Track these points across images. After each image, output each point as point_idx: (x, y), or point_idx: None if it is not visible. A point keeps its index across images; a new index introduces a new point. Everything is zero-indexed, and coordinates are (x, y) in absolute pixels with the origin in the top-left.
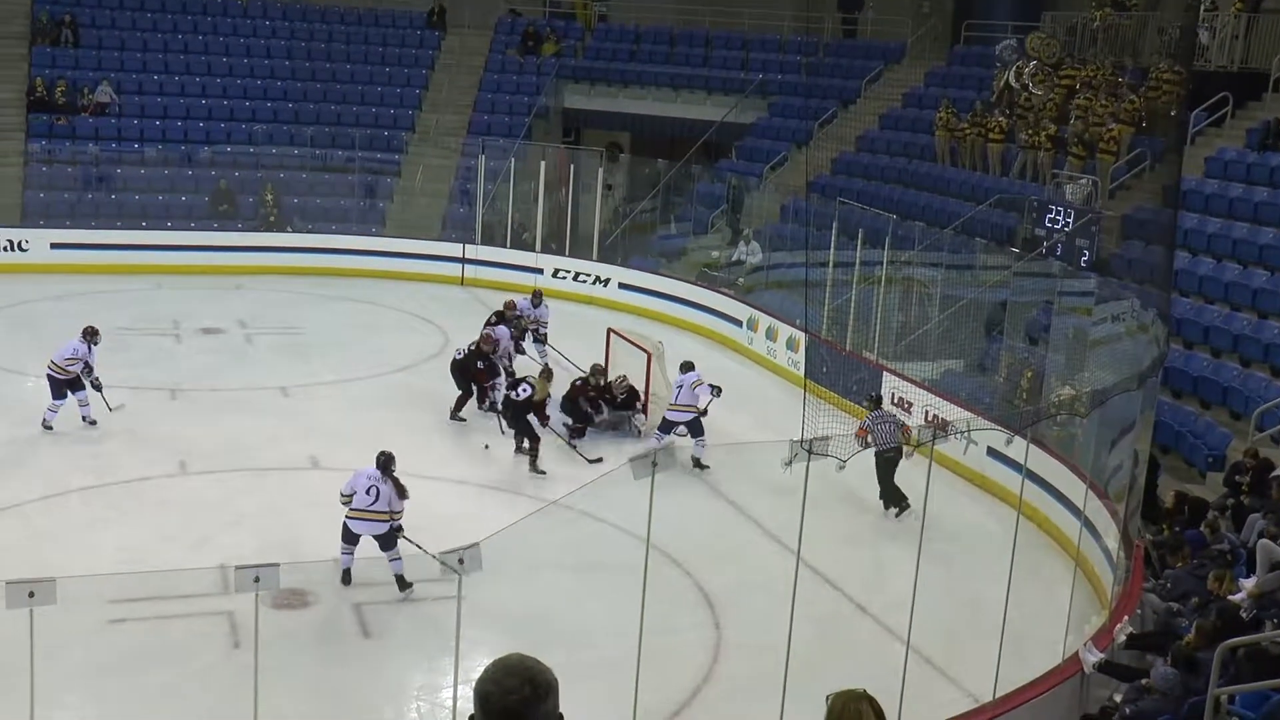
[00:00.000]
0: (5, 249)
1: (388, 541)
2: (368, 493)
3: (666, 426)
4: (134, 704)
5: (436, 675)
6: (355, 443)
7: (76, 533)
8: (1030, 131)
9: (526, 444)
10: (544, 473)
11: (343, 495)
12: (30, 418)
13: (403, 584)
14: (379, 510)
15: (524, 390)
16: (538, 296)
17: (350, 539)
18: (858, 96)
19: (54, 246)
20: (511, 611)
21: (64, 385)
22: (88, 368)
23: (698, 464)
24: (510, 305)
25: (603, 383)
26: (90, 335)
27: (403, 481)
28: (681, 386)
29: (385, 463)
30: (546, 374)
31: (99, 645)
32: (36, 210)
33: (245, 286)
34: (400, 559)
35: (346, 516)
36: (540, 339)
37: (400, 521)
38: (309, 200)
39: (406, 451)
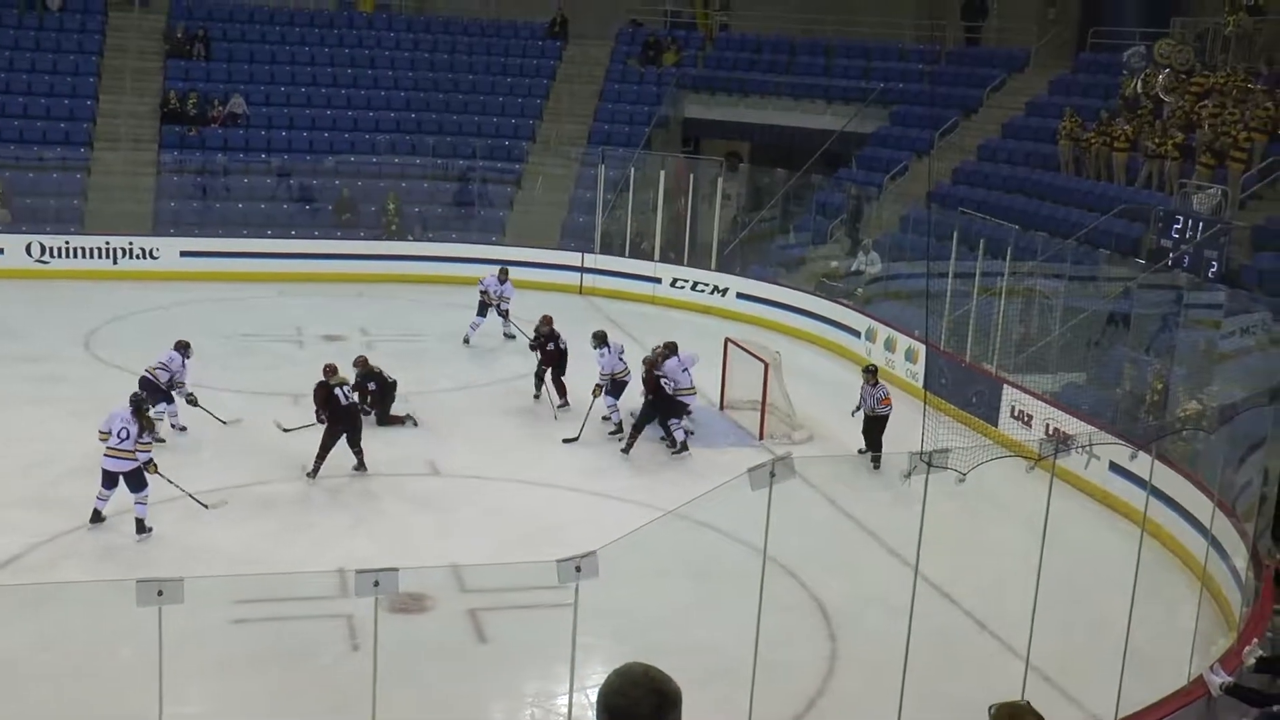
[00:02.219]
0: (138, 256)
1: (136, 482)
2: (119, 434)
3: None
4: (255, 703)
5: (551, 682)
6: (473, 449)
7: (199, 534)
8: (1157, 140)
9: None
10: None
11: (100, 432)
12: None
13: (141, 527)
14: (127, 449)
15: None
16: (504, 273)
17: (108, 482)
18: (980, 105)
19: (183, 254)
20: (626, 619)
21: (157, 391)
22: (172, 380)
23: (685, 447)
24: (547, 320)
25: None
26: (183, 349)
27: (153, 420)
28: (687, 370)
29: (137, 403)
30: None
31: (222, 644)
32: (167, 219)
33: (366, 294)
34: (146, 504)
35: (103, 455)
36: (503, 314)
37: (150, 457)
38: (430, 209)
39: (523, 459)
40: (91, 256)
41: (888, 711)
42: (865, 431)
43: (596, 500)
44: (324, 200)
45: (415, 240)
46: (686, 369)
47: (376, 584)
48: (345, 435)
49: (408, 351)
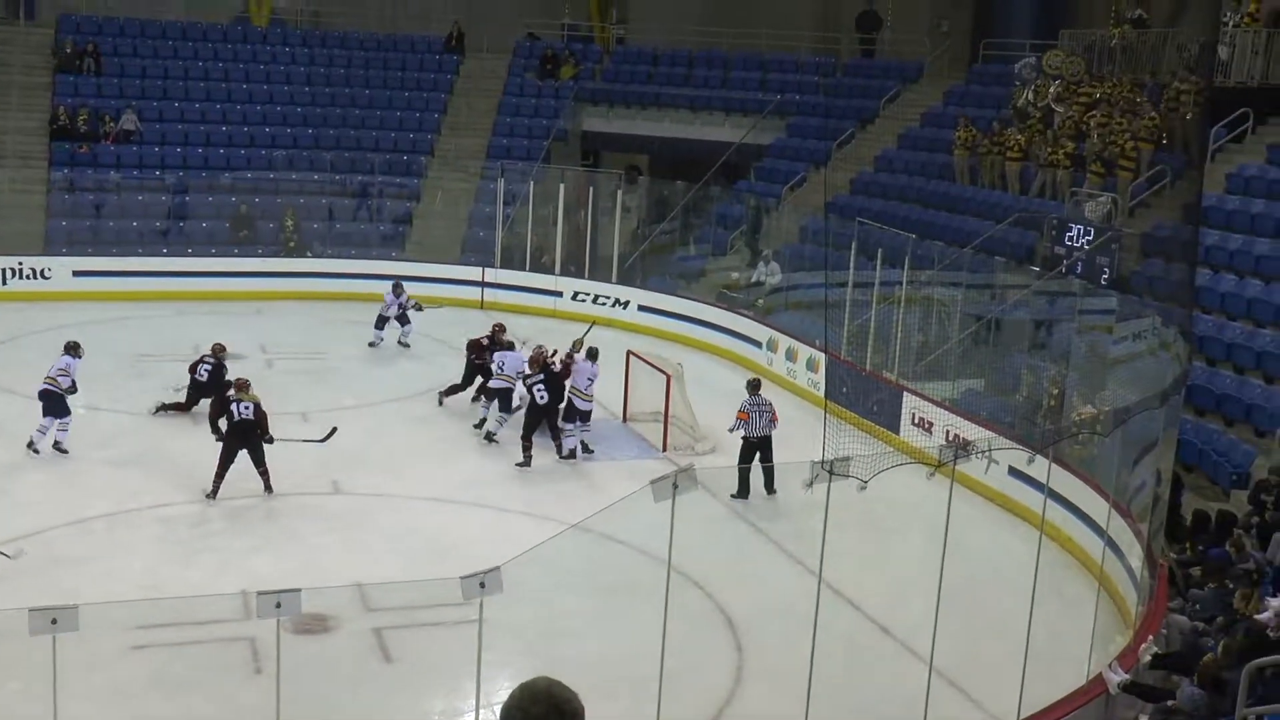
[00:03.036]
0: (28, 277)
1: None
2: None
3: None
4: None
5: (458, 699)
6: (376, 467)
7: (98, 559)
8: (1049, 149)
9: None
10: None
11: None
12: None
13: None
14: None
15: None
16: (399, 286)
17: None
18: (876, 116)
19: (76, 274)
20: (533, 634)
21: (56, 401)
22: (74, 384)
23: (573, 454)
24: (499, 327)
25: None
26: (73, 349)
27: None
28: (592, 380)
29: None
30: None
31: (121, 671)
32: (59, 238)
33: (265, 312)
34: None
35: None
36: (401, 320)
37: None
38: (329, 225)
39: (425, 475)
40: None
41: (795, 718)
42: (756, 452)
43: (500, 515)
44: (221, 217)
45: (315, 257)
46: (591, 378)
47: (279, 605)
48: (247, 453)
49: (308, 369)
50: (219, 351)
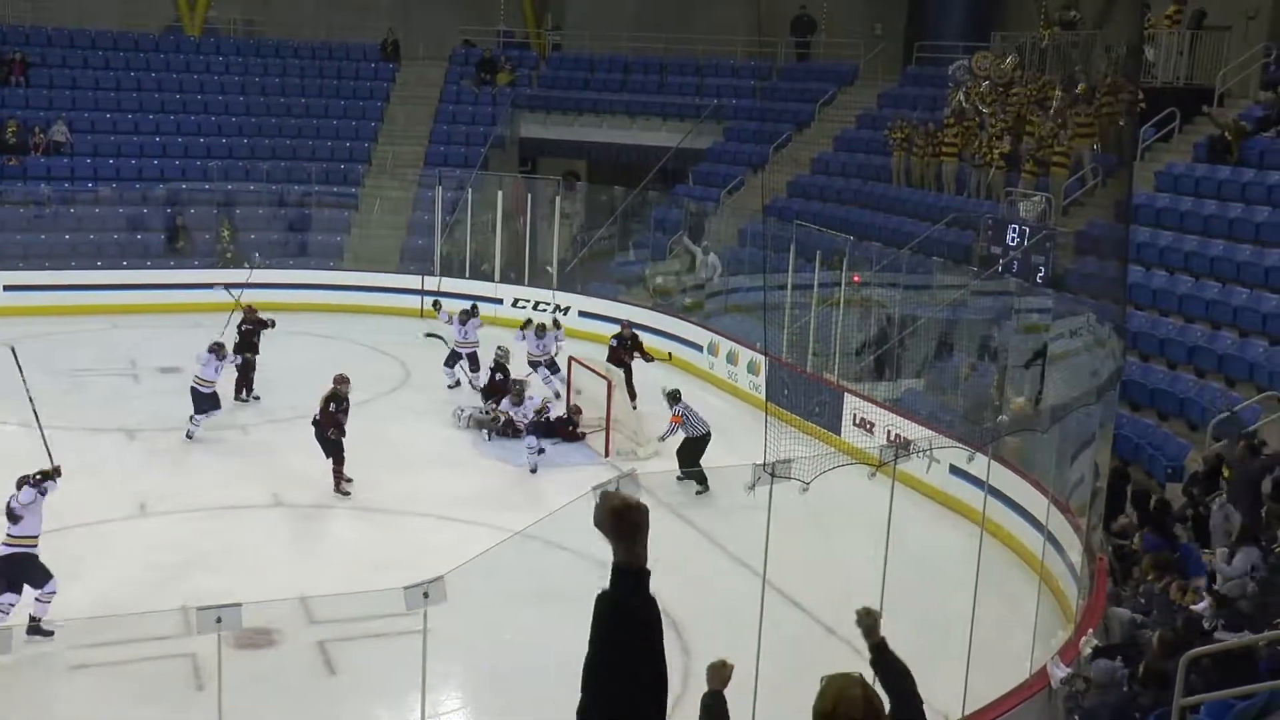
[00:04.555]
0: None
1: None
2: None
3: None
4: None
5: (403, 711)
6: (316, 479)
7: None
8: (984, 150)
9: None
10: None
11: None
12: None
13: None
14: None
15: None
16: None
17: None
18: (812, 119)
19: (7, 289)
20: (478, 644)
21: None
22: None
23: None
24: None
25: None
26: (217, 349)
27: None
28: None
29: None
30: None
31: (61, 692)
32: None
33: (203, 324)
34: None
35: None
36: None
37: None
38: (266, 236)
39: (364, 484)
40: None
41: None
42: (692, 454)
43: (442, 524)
44: (155, 229)
45: (252, 268)
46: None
47: (219, 620)
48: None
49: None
50: (250, 312)
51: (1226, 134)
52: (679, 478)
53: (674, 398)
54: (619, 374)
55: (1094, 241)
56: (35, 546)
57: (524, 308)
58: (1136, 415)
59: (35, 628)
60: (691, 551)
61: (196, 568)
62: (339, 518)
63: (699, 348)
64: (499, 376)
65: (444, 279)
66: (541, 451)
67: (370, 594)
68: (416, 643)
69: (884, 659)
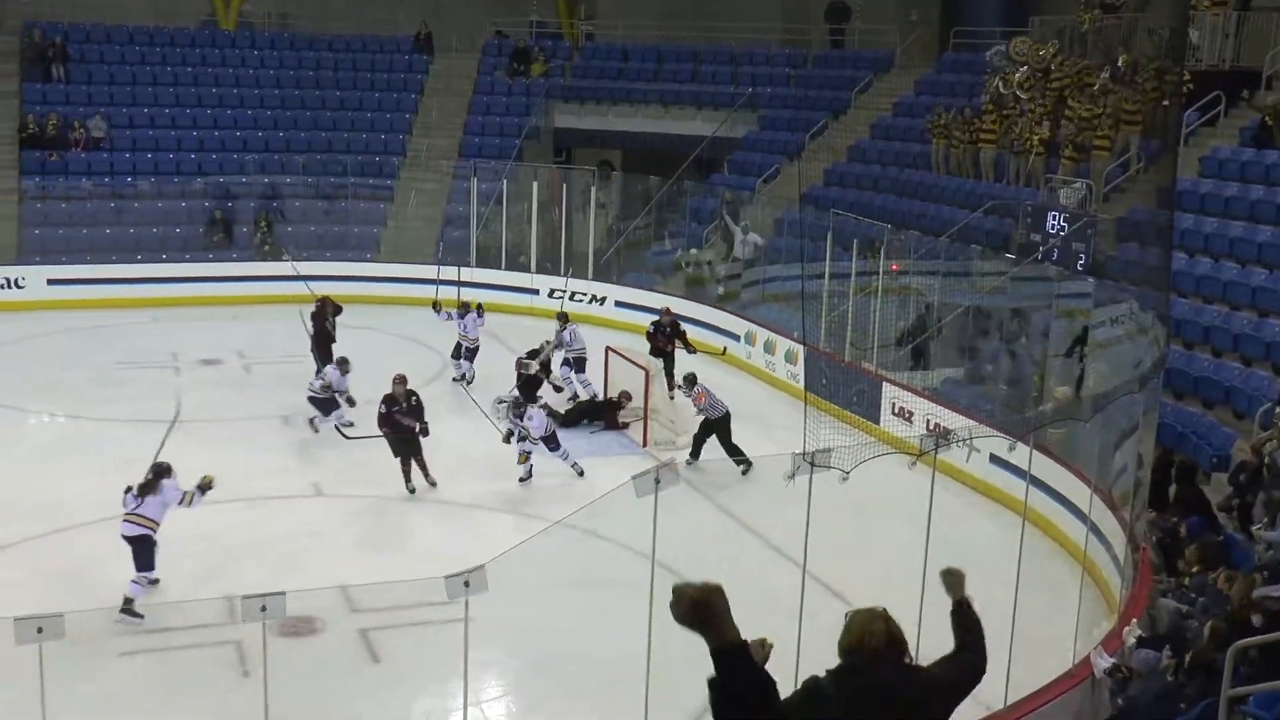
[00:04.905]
0: (3, 286)
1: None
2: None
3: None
4: None
5: (446, 699)
6: (356, 468)
7: (84, 568)
8: (1023, 136)
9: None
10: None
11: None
12: (32, 455)
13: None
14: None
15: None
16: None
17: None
18: (848, 107)
19: (50, 283)
20: (519, 632)
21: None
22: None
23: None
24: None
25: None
26: (341, 364)
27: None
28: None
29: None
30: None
31: (108, 678)
32: (32, 247)
33: (242, 316)
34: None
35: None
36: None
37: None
38: (303, 228)
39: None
40: None
41: None
42: (710, 435)
43: (483, 514)
44: (194, 223)
45: (290, 260)
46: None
47: (264, 609)
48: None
49: (286, 374)
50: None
51: (1267, 119)
52: (738, 464)
53: (690, 381)
54: (657, 365)
55: (1136, 228)
56: (155, 530)
57: (559, 298)
58: (1180, 404)
59: (129, 609)
60: (731, 542)
61: (240, 557)
62: (379, 507)
63: (737, 337)
64: (539, 372)
65: (479, 269)
66: (528, 474)
67: (412, 583)
68: (458, 631)
69: (962, 612)
